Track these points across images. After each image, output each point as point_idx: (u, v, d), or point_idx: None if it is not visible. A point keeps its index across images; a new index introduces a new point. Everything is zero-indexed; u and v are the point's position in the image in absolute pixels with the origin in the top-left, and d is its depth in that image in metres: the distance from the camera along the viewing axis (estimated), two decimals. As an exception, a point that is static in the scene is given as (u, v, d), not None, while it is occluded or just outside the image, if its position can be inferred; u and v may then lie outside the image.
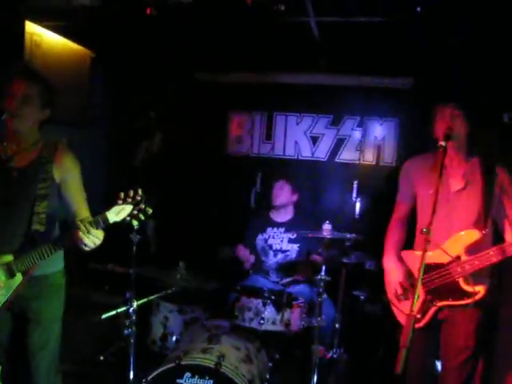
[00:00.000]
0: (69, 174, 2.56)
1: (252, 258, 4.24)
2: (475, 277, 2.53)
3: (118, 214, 2.28)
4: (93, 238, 2.30)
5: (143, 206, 2.30)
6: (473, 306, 2.58)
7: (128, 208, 2.28)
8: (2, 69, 3.65)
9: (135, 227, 2.38)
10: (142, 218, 2.32)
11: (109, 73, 5.39)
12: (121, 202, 2.28)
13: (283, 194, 4.22)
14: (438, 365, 3.02)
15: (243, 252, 4.23)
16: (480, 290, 2.53)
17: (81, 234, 2.27)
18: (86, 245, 2.31)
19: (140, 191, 2.31)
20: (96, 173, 5.31)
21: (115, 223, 2.30)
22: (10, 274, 2.41)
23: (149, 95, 5.51)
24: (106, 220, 2.27)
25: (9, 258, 2.42)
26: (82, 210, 2.55)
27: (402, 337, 2.17)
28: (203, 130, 5.39)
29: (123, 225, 2.36)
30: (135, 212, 2.29)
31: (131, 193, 2.30)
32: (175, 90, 5.45)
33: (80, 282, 3.92)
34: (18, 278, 2.42)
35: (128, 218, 2.30)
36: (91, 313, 3.80)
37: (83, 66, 4.84)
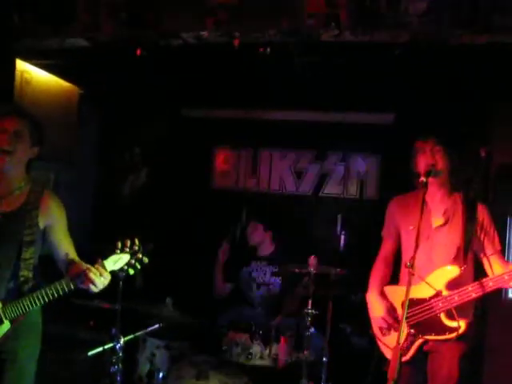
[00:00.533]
0: (55, 219, 2.59)
1: (227, 288, 4.30)
2: (458, 310, 2.55)
3: (115, 263, 2.37)
4: (104, 280, 2.35)
5: (140, 256, 2.38)
6: (456, 339, 2.61)
7: (125, 257, 2.38)
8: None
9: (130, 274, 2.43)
10: (139, 267, 2.39)
11: (97, 108, 5.46)
12: (118, 251, 2.37)
13: (256, 234, 4.33)
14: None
15: (219, 277, 4.30)
16: (462, 325, 2.55)
17: (93, 275, 2.30)
18: (96, 286, 2.35)
19: (137, 241, 2.40)
20: (83, 209, 5.33)
21: (112, 272, 2.36)
22: None
23: (135, 131, 5.59)
24: (104, 268, 2.35)
25: None
26: (72, 255, 2.59)
27: (390, 369, 2.21)
28: (189, 165, 5.46)
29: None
30: (132, 261, 2.38)
31: (128, 242, 2.38)
32: (162, 125, 5.54)
33: (64, 318, 3.89)
34: (6, 325, 2.39)
35: (125, 267, 2.36)
36: (76, 349, 3.75)
37: (72, 103, 4.91)
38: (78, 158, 5.04)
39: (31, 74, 4.29)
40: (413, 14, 2.69)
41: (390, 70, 3.99)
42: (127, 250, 2.38)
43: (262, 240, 4.34)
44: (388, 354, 2.79)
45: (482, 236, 2.72)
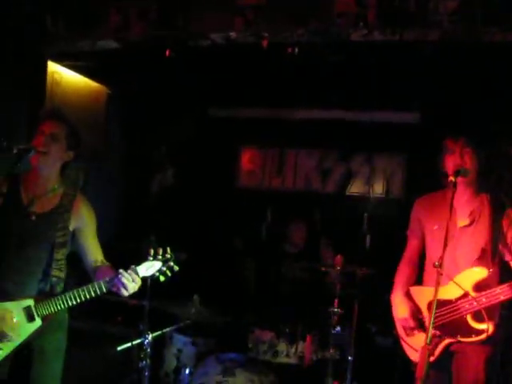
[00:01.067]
0: (85, 223, 2.65)
1: None
2: (485, 312, 2.49)
3: (147, 269, 2.43)
4: (135, 286, 2.41)
5: (172, 264, 2.44)
6: (483, 343, 2.56)
7: (157, 265, 2.44)
8: (25, 105, 3.82)
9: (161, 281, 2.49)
10: (169, 274, 2.45)
11: (124, 108, 5.54)
12: (151, 258, 2.43)
13: (299, 233, 4.31)
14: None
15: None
16: (488, 327, 2.50)
17: (125, 280, 2.37)
18: (127, 290, 2.41)
19: (169, 249, 2.46)
20: (111, 207, 5.42)
21: (143, 277, 2.43)
22: (30, 319, 2.45)
23: (163, 130, 5.66)
24: (137, 274, 2.42)
25: (29, 302, 2.46)
26: (100, 258, 2.66)
27: (418, 370, 2.19)
28: (215, 165, 5.52)
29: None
30: (164, 269, 2.44)
31: (160, 250, 2.44)
32: (189, 124, 5.60)
33: (92, 314, 3.96)
34: (37, 322, 2.46)
35: (156, 274, 2.43)
36: (104, 345, 3.82)
37: (100, 102, 5.00)
38: (106, 158, 5.12)
39: (61, 74, 4.39)
40: (443, 13, 2.66)
41: (418, 68, 3.96)
42: (159, 257, 2.44)
43: (301, 241, 4.33)
44: (411, 355, 2.78)
45: (510, 238, 2.68)
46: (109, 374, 3.93)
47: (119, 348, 3.35)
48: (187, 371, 3.67)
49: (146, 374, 3.27)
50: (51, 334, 2.58)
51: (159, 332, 3.44)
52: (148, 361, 3.26)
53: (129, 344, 3.34)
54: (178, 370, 3.70)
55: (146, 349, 3.27)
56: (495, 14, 2.66)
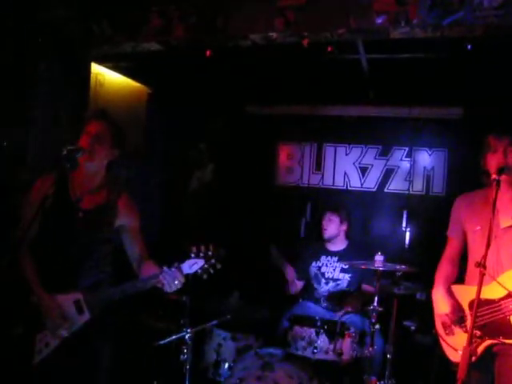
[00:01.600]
0: (130, 220, 2.74)
1: (299, 284, 4.32)
2: None
3: (191, 266, 2.51)
4: (178, 284, 2.49)
5: (214, 261, 2.50)
6: None
7: (200, 262, 2.50)
8: (70, 106, 3.95)
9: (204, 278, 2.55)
10: (212, 272, 2.51)
11: (164, 107, 5.64)
12: (194, 255, 2.50)
13: (332, 226, 4.28)
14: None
15: (292, 274, 4.32)
16: None
17: (169, 278, 2.46)
18: (170, 287, 2.49)
19: (211, 247, 2.51)
20: (152, 204, 5.53)
21: (187, 275, 2.50)
22: (79, 311, 2.56)
23: (201, 128, 5.73)
24: (181, 271, 2.49)
25: (79, 295, 2.57)
26: (145, 254, 2.74)
27: (459, 370, 2.17)
28: (254, 161, 5.56)
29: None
30: (206, 266, 2.49)
31: (203, 248, 2.50)
32: (227, 122, 5.66)
33: (134, 307, 4.06)
34: (86, 315, 2.56)
35: (199, 271, 2.49)
36: (145, 338, 3.92)
37: (141, 102, 5.13)
38: (147, 155, 5.23)
39: (104, 76, 4.53)
40: (488, 8, 2.60)
41: (461, 63, 3.88)
42: (202, 255, 2.50)
43: (337, 233, 4.31)
44: (451, 355, 2.74)
45: None
46: (150, 367, 4.03)
47: (161, 342, 3.43)
48: (226, 366, 3.74)
49: (187, 367, 3.35)
50: (99, 324, 2.65)
51: (201, 326, 3.52)
52: (189, 355, 3.34)
53: (171, 338, 3.43)
54: (217, 365, 3.77)
55: (187, 343, 3.35)
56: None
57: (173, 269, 2.48)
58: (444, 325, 2.79)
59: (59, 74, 3.81)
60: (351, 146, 5.41)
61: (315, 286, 4.29)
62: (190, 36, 3.25)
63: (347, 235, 4.37)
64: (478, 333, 2.56)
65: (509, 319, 2.53)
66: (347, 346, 3.45)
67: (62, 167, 2.51)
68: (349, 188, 5.42)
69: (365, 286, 4.18)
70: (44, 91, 3.78)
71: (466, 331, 2.69)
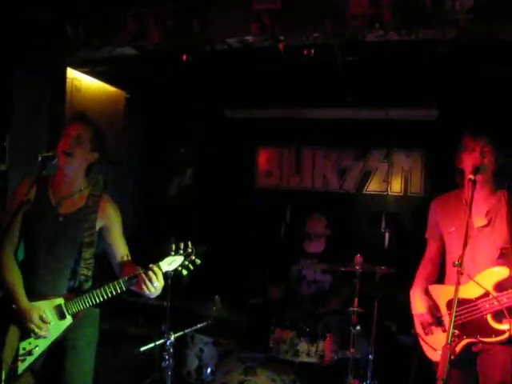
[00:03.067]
0: (111, 223, 2.72)
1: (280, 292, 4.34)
2: (507, 312, 2.47)
3: (170, 264, 2.50)
4: (157, 285, 2.47)
5: (193, 258, 2.50)
6: (509, 342, 2.53)
7: (179, 259, 2.50)
8: (46, 112, 3.91)
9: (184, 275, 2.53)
10: (192, 268, 2.51)
11: (142, 112, 5.61)
12: (173, 253, 2.49)
13: (319, 226, 4.31)
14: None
15: (275, 295, 4.35)
16: (510, 328, 2.46)
17: (150, 275, 2.44)
18: (148, 289, 2.46)
19: (190, 243, 2.51)
20: (131, 209, 5.48)
21: (166, 272, 2.49)
22: (61, 316, 2.54)
23: (180, 132, 5.71)
24: (160, 269, 2.47)
25: (60, 300, 2.55)
26: (127, 257, 2.72)
27: (439, 369, 2.19)
28: (233, 165, 5.56)
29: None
30: (186, 263, 2.49)
31: (182, 245, 2.50)
32: (206, 126, 5.65)
33: (115, 315, 4.02)
34: (68, 320, 2.55)
35: (179, 268, 2.48)
36: (126, 345, 3.88)
37: (118, 106, 5.05)
38: (125, 160, 5.19)
39: (80, 81, 4.46)
40: (460, 11, 2.65)
41: (435, 65, 3.93)
42: (181, 251, 2.50)
43: (321, 234, 4.33)
44: (430, 355, 2.77)
45: None
46: (132, 374, 3.99)
47: (142, 348, 3.40)
48: (209, 371, 3.73)
49: (169, 373, 3.33)
50: (83, 330, 2.66)
51: (182, 332, 3.49)
52: (171, 361, 3.32)
53: (152, 344, 3.39)
54: (199, 370, 3.77)
55: (169, 349, 3.32)
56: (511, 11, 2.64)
57: (150, 265, 2.46)
58: (422, 325, 2.82)
59: (35, 80, 3.76)
60: (329, 148, 5.44)
61: (296, 289, 4.30)
62: (166, 40, 3.24)
63: (327, 238, 4.39)
64: (457, 332, 2.58)
65: (486, 318, 2.56)
66: (329, 348, 3.47)
67: (40, 173, 2.51)
68: (328, 190, 5.46)
69: (343, 289, 4.16)
70: (20, 96, 3.72)
71: (444, 330, 2.73)
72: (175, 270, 2.49)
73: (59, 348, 2.60)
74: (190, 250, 2.50)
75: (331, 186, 5.45)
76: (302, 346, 3.41)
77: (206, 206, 5.54)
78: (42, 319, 2.49)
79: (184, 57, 3.47)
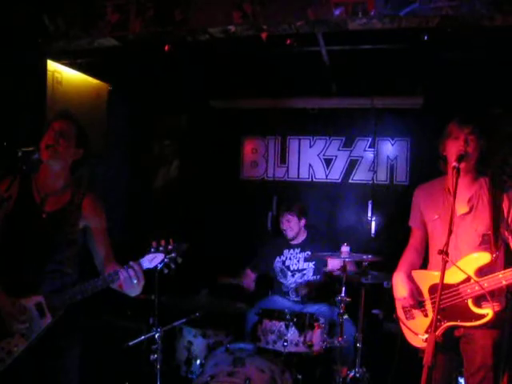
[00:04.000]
0: (95, 220, 2.68)
1: (253, 286, 4.37)
2: (489, 297, 2.48)
3: (151, 261, 2.47)
4: (137, 283, 2.45)
5: (174, 255, 2.47)
6: (490, 327, 2.57)
7: (160, 256, 2.47)
8: (26, 107, 3.84)
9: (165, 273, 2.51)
10: (173, 266, 2.49)
11: (125, 103, 5.55)
12: (153, 250, 2.47)
13: (291, 226, 4.31)
14: (462, 381, 3.04)
15: (249, 279, 4.36)
16: (489, 312, 2.51)
17: (130, 272, 2.42)
18: (132, 283, 2.44)
19: (171, 241, 2.49)
20: (116, 203, 5.44)
21: (148, 269, 2.46)
22: (41, 314, 2.49)
23: (164, 124, 5.67)
24: (140, 266, 2.45)
25: (40, 298, 2.50)
26: (110, 255, 2.69)
27: (425, 355, 2.21)
28: (218, 156, 5.54)
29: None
30: (166, 260, 2.47)
31: (163, 242, 2.47)
32: (190, 117, 5.61)
33: (102, 309, 4.00)
34: (48, 318, 2.50)
35: (159, 265, 2.46)
36: (115, 339, 3.87)
37: (101, 99, 5.00)
38: (109, 153, 5.14)
39: (62, 73, 4.39)
40: (442, -1, 2.65)
41: (419, 53, 3.94)
42: (162, 249, 2.48)
43: (298, 230, 4.34)
44: (411, 339, 2.80)
45: (511, 221, 2.66)
46: (120, 368, 3.99)
47: (131, 342, 3.39)
48: (198, 363, 3.73)
49: (158, 366, 3.33)
50: (66, 339, 2.62)
51: (170, 325, 3.49)
52: (160, 354, 3.31)
53: (140, 338, 3.39)
54: (189, 362, 3.76)
55: (158, 342, 3.32)
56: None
57: (131, 263, 2.44)
58: (404, 309, 2.84)
59: (14, 73, 3.69)
60: (315, 138, 5.44)
61: (282, 280, 4.32)
62: (148, 30, 3.20)
63: (307, 227, 4.40)
64: (438, 316, 2.61)
65: (467, 303, 2.59)
66: (317, 338, 3.48)
67: (21, 169, 2.47)
68: (314, 180, 5.45)
69: (327, 269, 4.18)
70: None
71: (426, 315, 2.76)
72: (155, 267, 2.47)
73: (41, 348, 2.56)
74: (170, 248, 2.48)
75: (317, 175, 5.45)
76: (291, 335, 3.41)
77: (191, 197, 5.51)
78: (23, 320, 2.45)
79: (166, 47, 3.43)
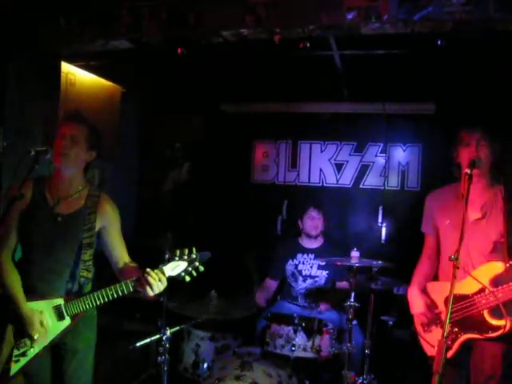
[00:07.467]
0: (110, 223, 2.69)
1: (274, 285, 4.36)
2: (503, 308, 2.45)
3: (173, 269, 2.46)
4: (161, 286, 2.43)
5: (197, 264, 2.46)
6: (500, 339, 2.52)
7: (183, 265, 2.46)
8: (40, 107, 3.87)
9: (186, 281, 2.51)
10: (195, 274, 2.47)
11: (138, 106, 5.58)
12: (177, 258, 2.45)
13: (315, 223, 4.27)
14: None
15: (266, 292, 4.35)
16: (506, 323, 2.46)
17: (151, 280, 2.40)
18: (152, 290, 2.42)
19: (194, 250, 2.48)
20: (127, 204, 5.47)
21: (169, 277, 2.45)
22: (60, 317, 2.52)
23: (176, 127, 5.69)
24: (163, 274, 2.44)
25: (60, 301, 2.53)
26: (126, 255, 2.70)
27: (435, 363, 2.19)
28: (229, 160, 5.55)
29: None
30: (189, 269, 2.45)
31: (186, 251, 2.46)
32: (202, 121, 5.63)
33: (111, 311, 4.01)
34: (67, 321, 2.53)
35: (182, 274, 2.45)
36: (123, 340, 3.88)
37: (114, 101, 5.03)
38: (121, 155, 5.17)
39: (75, 75, 4.43)
40: (456, 3, 2.64)
41: (432, 59, 3.92)
42: (185, 257, 2.46)
43: (319, 232, 4.30)
44: (429, 351, 2.77)
45: None
46: (128, 369, 3.99)
47: (138, 344, 3.39)
48: (205, 366, 3.72)
49: (165, 369, 3.32)
50: (82, 333, 2.65)
51: (178, 328, 3.48)
52: (167, 356, 3.31)
53: (148, 340, 3.39)
54: (196, 365, 3.75)
55: (165, 344, 3.32)
56: (509, 2, 2.63)
57: (155, 271, 2.43)
58: (422, 324, 2.82)
59: (29, 74, 3.72)
60: (326, 142, 5.43)
61: (292, 284, 4.30)
62: (162, 33, 3.21)
63: (323, 233, 4.38)
64: (454, 329, 2.58)
65: (482, 313, 2.55)
66: (325, 343, 3.46)
67: (33, 168, 2.46)
68: (324, 185, 5.45)
69: (339, 284, 4.20)
70: (13, 92, 3.69)
71: (442, 327, 2.72)
72: (178, 276, 2.46)
73: (58, 351, 2.60)
74: (194, 257, 2.46)
75: (328, 180, 5.43)
76: (299, 340, 3.39)
77: (202, 201, 5.52)
78: (41, 324, 2.48)
79: (179, 50, 3.45)
